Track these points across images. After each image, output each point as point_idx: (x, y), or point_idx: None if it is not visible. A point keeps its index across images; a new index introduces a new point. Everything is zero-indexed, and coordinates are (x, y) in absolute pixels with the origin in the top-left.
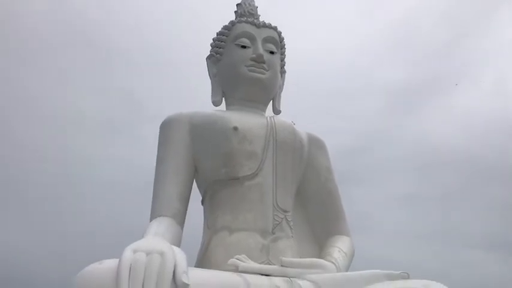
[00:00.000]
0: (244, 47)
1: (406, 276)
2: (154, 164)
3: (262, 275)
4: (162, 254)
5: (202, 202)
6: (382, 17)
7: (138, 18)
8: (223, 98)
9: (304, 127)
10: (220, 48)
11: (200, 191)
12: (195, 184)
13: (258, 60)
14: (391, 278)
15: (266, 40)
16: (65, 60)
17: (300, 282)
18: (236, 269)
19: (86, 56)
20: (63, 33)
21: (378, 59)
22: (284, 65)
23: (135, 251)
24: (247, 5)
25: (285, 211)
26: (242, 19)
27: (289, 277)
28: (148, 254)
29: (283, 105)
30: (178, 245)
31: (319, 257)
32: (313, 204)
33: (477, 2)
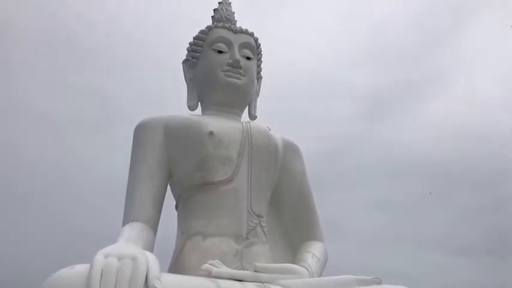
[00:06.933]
0: (220, 52)
1: (378, 281)
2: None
3: (235, 280)
4: (134, 258)
5: (176, 207)
6: (357, 24)
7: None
8: (199, 103)
9: (279, 132)
10: (196, 52)
11: (174, 196)
12: (169, 189)
13: (235, 66)
14: (363, 283)
15: (243, 46)
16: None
17: (273, 287)
18: (209, 274)
19: (63, 55)
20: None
21: (352, 65)
22: (260, 70)
23: (106, 256)
24: (224, 11)
25: (260, 216)
26: (219, 24)
27: (262, 282)
28: (120, 258)
29: (259, 111)
30: (151, 250)
31: (293, 262)
32: (287, 209)
33: (450, 11)
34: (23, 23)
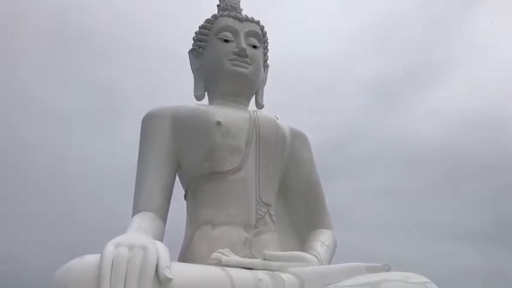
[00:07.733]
0: (227, 41)
1: (387, 269)
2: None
3: (245, 268)
4: (144, 248)
5: (185, 197)
6: (362, 14)
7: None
8: (206, 92)
9: (286, 122)
10: (202, 42)
11: (183, 186)
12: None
13: (241, 54)
14: (372, 270)
15: (249, 34)
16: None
17: (283, 275)
18: (219, 263)
19: (66, 47)
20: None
21: (359, 55)
22: (267, 59)
23: (117, 246)
24: None
25: (268, 205)
26: (225, 13)
27: (271, 270)
28: (130, 248)
29: (265, 100)
30: (161, 239)
31: (302, 250)
32: (295, 197)
33: (455, 1)
34: (25, 14)
